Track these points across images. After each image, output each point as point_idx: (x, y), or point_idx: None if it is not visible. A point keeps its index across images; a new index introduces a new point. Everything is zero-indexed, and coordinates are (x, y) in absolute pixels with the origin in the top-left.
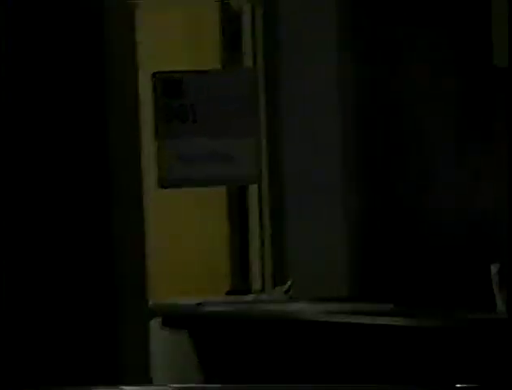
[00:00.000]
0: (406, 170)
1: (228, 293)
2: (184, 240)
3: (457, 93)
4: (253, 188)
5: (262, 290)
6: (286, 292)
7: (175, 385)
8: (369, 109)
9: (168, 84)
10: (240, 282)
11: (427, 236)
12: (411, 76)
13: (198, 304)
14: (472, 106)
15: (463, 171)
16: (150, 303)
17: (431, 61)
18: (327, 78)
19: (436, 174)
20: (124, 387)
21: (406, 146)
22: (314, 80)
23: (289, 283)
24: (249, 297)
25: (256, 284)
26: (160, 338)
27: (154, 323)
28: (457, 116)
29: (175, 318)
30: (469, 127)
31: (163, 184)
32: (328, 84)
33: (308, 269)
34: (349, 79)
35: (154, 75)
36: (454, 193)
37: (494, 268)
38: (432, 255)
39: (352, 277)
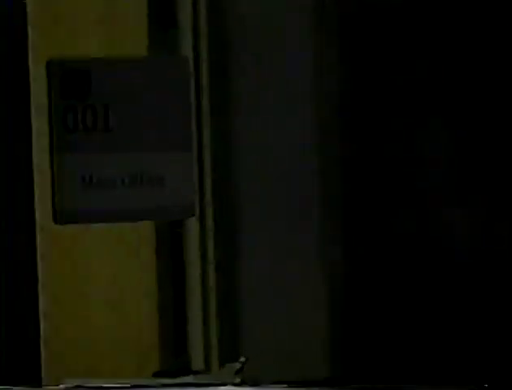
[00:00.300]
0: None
1: (156, 375)
2: (92, 300)
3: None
4: (191, 223)
5: (206, 370)
6: (237, 372)
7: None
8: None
9: (70, 77)
10: (174, 359)
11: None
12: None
13: None
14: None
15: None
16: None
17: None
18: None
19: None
20: None
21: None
22: (278, 72)
23: (242, 360)
24: (187, 380)
25: (196, 362)
26: None
27: None
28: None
29: None
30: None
31: (62, 218)
32: (300, 81)
33: (268, 342)
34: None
35: (48, 64)
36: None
37: None
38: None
39: (330, 354)
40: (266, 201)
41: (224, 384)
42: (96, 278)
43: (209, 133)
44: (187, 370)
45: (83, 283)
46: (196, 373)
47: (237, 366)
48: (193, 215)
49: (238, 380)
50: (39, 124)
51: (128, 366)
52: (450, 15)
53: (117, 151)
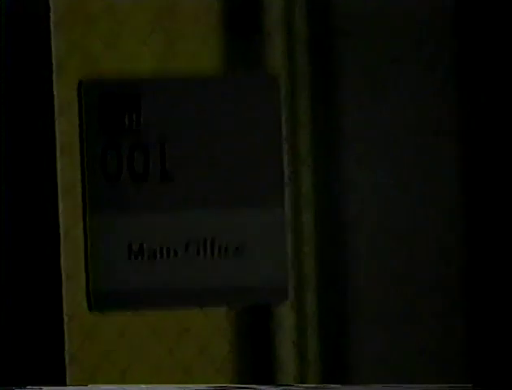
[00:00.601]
0: None
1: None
2: None
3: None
4: (283, 312)
5: None
6: None
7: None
8: None
9: (111, 104)
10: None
11: None
12: None
13: None
14: None
15: None
16: None
17: None
18: None
19: None
20: None
21: None
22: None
23: None
24: None
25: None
26: None
27: None
28: None
29: None
30: None
31: (99, 304)
32: None
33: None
34: None
35: (80, 85)
36: None
37: None
38: None
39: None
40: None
41: None
42: None
43: (309, 182)
44: None
45: None
46: None
47: None
48: (286, 300)
49: None
50: (66, 170)
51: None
52: None
53: (177, 208)
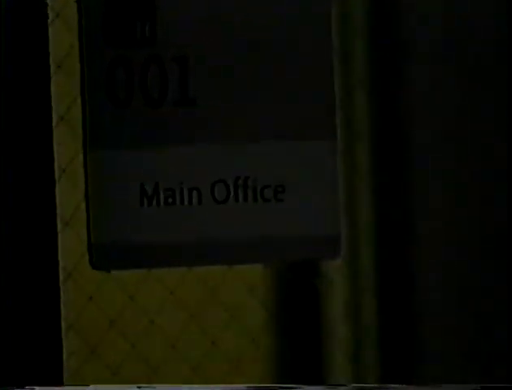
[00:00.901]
0: None
1: None
2: None
3: None
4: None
5: None
6: None
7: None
8: None
9: (120, 11)
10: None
11: None
12: None
13: None
14: None
15: None
16: None
17: None
18: None
19: None
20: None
21: None
22: None
23: None
24: None
25: None
26: None
27: None
28: None
29: None
30: None
31: (103, 260)
32: None
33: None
34: None
35: None
36: None
37: None
38: None
39: None
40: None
41: None
42: None
43: (365, 107)
44: None
45: None
46: None
47: None
48: (339, 256)
49: None
50: (61, 92)
51: None
52: None
53: (202, 140)
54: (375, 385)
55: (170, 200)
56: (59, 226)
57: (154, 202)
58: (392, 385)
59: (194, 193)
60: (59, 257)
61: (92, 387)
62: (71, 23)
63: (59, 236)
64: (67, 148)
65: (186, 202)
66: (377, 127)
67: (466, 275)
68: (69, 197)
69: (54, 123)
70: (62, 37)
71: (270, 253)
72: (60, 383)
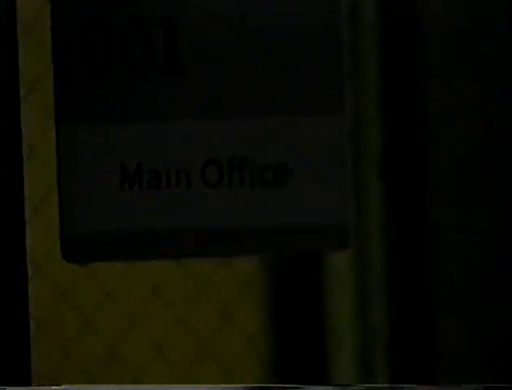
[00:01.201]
0: None
1: None
2: None
3: None
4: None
5: None
6: None
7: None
8: None
9: None
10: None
11: None
12: None
13: None
14: None
15: None
16: None
17: None
18: None
19: None
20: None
21: None
22: None
23: None
24: None
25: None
26: None
27: None
28: None
29: None
30: None
31: (76, 252)
32: None
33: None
34: None
35: None
36: None
37: None
38: None
39: None
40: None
41: None
42: None
43: (375, 79)
44: None
45: None
46: None
47: None
48: (348, 248)
49: None
50: (30, 57)
51: None
52: None
53: (192, 115)
54: (384, 385)
55: (154, 182)
56: (27, 213)
57: (136, 185)
58: (400, 385)
59: (182, 175)
60: (27, 249)
61: (64, 387)
62: None
63: (27, 225)
64: (36, 123)
65: (173, 185)
66: (389, 110)
67: (479, 266)
68: (39, 180)
69: (21, 96)
70: None
71: (269, 244)
72: (28, 385)
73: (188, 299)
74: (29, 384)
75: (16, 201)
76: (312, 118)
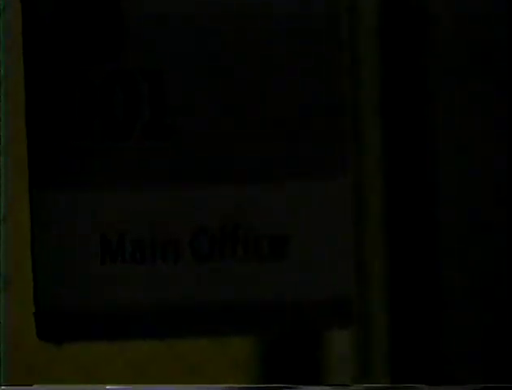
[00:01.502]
0: None
1: None
2: None
3: None
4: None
5: None
6: None
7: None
8: None
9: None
10: None
11: None
12: None
13: None
14: None
15: None
16: None
17: None
18: None
19: None
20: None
21: None
22: None
23: None
24: None
25: None
26: None
27: None
28: None
29: None
30: None
31: (51, 329)
32: None
33: None
34: None
35: None
36: None
37: None
38: None
39: None
40: None
41: None
42: None
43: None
44: None
45: None
46: None
47: None
48: (350, 326)
49: None
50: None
51: None
52: None
53: (179, 180)
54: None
55: (138, 255)
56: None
57: (119, 258)
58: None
59: (169, 247)
60: None
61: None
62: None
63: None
64: (9, 188)
65: (159, 259)
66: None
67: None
68: (11, 253)
69: None
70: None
71: (265, 322)
72: None
73: (176, 375)
74: None
75: None
76: (312, 183)
